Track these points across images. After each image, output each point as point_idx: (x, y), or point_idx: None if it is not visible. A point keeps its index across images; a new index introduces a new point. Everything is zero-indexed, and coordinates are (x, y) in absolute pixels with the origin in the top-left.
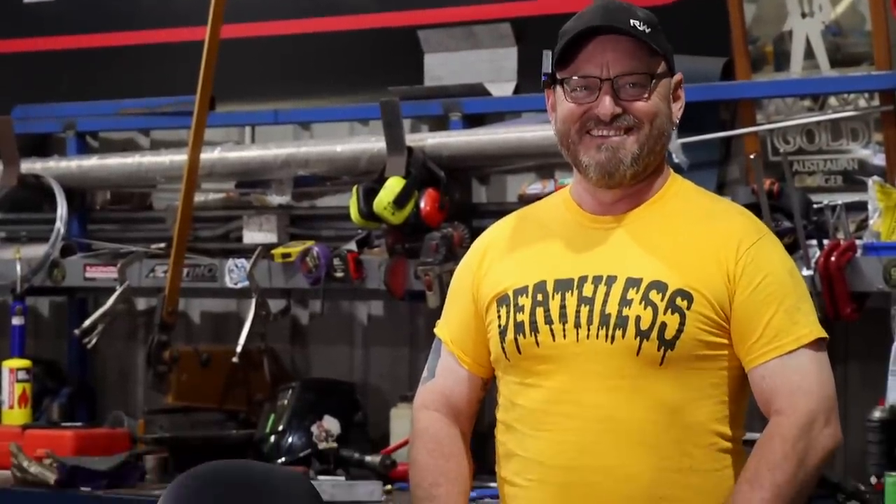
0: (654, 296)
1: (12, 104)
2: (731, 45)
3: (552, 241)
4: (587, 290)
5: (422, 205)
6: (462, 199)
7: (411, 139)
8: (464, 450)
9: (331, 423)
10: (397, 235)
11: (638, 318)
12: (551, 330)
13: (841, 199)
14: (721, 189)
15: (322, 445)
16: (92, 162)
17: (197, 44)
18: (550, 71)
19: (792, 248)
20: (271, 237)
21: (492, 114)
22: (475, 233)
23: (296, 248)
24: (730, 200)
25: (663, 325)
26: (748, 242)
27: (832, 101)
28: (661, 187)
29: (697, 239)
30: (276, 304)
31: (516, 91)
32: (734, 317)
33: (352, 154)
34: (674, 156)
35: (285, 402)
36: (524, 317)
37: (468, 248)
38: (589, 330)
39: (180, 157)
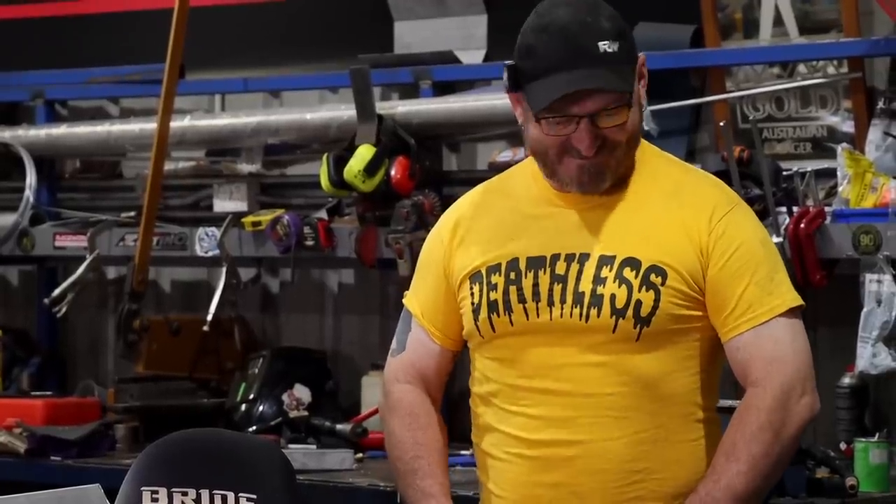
0: (628, 273)
1: None
2: (701, 13)
3: (523, 216)
4: (559, 268)
5: (392, 173)
6: (432, 166)
7: (381, 107)
8: (437, 419)
9: (302, 392)
10: (368, 203)
11: (613, 297)
12: (525, 309)
13: (810, 166)
14: (691, 156)
15: (293, 414)
16: (61, 130)
17: (166, 11)
18: (510, 88)
19: (762, 216)
20: (241, 205)
21: (462, 81)
22: (446, 201)
23: (266, 217)
24: (699, 169)
25: (639, 303)
26: (719, 214)
27: (801, 68)
28: (638, 164)
29: (669, 213)
30: (246, 273)
31: (486, 59)
32: (708, 290)
33: (322, 122)
34: (644, 123)
35: (256, 370)
36: (497, 295)
37: (439, 215)
38: (562, 309)
39: (150, 126)
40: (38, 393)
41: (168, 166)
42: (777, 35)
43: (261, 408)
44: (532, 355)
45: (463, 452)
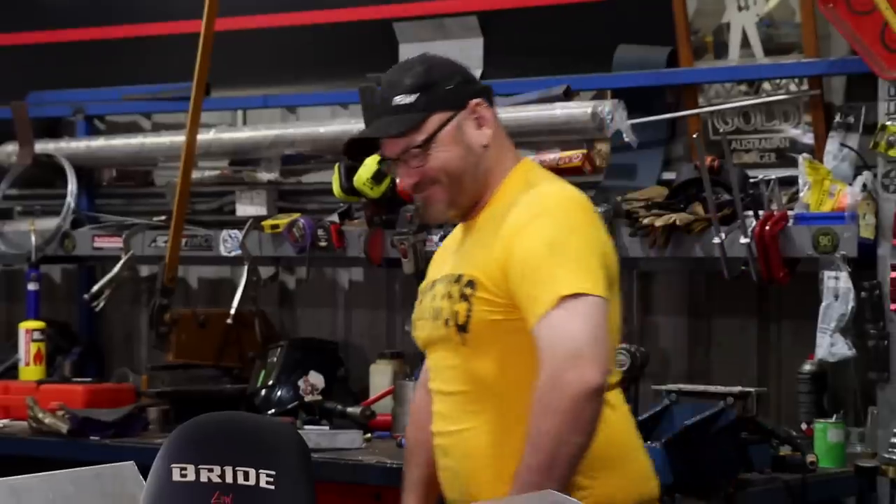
0: (453, 288)
1: (27, 91)
2: (675, 36)
3: (455, 242)
4: (436, 287)
5: (397, 181)
6: None
7: None
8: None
9: (316, 378)
10: (375, 208)
11: (441, 309)
12: (418, 323)
13: (774, 174)
14: (667, 165)
15: (308, 398)
16: (99, 143)
17: (194, 35)
18: None
19: (730, 219)
20: (261, 210)
21: None
22: None
23: (283, 220)
24: (550, 183)
25: (456, 313)
26: (516, 229)
27: (766, 86)
28: (498, 191)
29: (494, 232)
30: (265, 271)
31: (482, 78)
32: (512, 296)
33: (334, 135)
34: (624, 135)
35: (275, 359)
36: (415, 309)
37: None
38: (430, 322)
39: (179, 138)
40: (78, 379)
41: (195, 175)
42: (744, 56)
43: (279, 393)
44: (431, 361)
45: None
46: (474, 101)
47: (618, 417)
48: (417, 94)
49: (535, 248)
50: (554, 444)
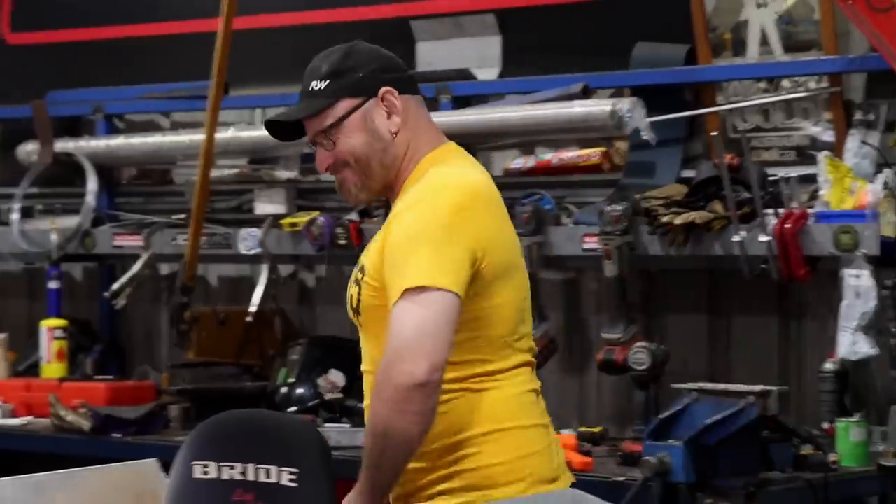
0: (356, 273)
1: (47, 90)
2: (694, 34)
3: None
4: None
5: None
6: None
7: None
8: None
9: (336, 376)
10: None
11: (351, 294)
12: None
13: (794, 171)
14: (686, 163)
15: (328, 396)
16: (119, 141)
17: (212, 34)
18: None
19: (750, 217)
20: (280, 208)
21: (478, 96)
22: None
23: (303, 218)
24: (446, 167)
25: (352, 297)
26: (395, 215)
27: (785, 83)
28: (408, 179)
29: (388, 222)
30: (285, 269)
31: (500, 76)
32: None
33: None
34: (643, 133)
35: (295, 357)
36: None
37: None
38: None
39: (198, 137)
40: (100, 377)
41: (214, 173)
42: (763, 53)
43: (299, 391)
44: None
45: None
46: (384, 89)
47: (497, 397)
48: (328, 81)
49: (398, 237)
50: (383, 429)
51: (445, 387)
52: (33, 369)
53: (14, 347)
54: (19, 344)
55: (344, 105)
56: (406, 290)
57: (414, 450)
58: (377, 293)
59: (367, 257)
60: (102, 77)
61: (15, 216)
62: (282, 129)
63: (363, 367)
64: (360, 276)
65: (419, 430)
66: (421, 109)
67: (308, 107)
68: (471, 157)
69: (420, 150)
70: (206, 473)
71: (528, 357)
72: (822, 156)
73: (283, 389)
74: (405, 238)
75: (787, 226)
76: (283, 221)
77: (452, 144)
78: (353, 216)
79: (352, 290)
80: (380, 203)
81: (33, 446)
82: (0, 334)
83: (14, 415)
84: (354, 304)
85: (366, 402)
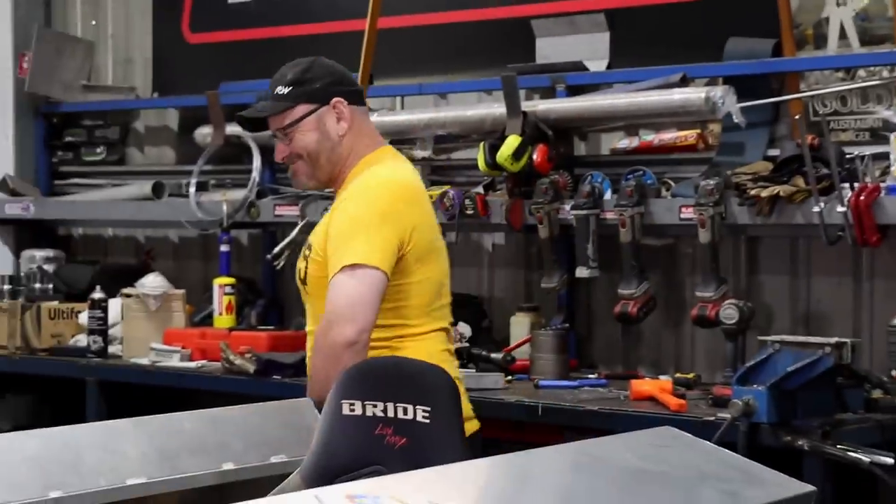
0: (306, 251)
1: (219, 81)
2: (780, 29)
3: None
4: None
5: (534, 157)
6: (566, 152)
7: (526, 105)
8: None
9: (464, 328)
10: (515, 181)
11: (299, 268)
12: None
13: (868, 150)
14: (772, 143)
15: (457, 345)
16: None
17: (359, 33)
18: None
19: (828, 190)
20: None
21: (589, 85)
22: (577, 179)
23: (436, 192)
24: (381, 166)
25: (300, 270)
26: (338, 203)
27: (861, 72)
28: (350, 173)
29: (333, 209)
30: None
31: (608, 67)
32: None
33: (479, 117)
34: (734, 117)
35: None
36: None
37: (571, 192)
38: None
39: None
40: (262, 327)
41: None
42: (842, 46)
43: None
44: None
45: (590, 376)
46: (336, 99)
47: (417, 346)
48: (291, 87)
49: (342, 222)
50: (321, 377)
51: (373, 344)
52: (207, 320)
53: (191, 301)
54: (196, 298)
55: (301, 109)
56: (344, 266)
57: None
58: (321, 267)
59: (314, 238)
60: (266, 70)
61: (192, 190)
62: (251, 122)
63: (308, 328)
64: (307, 252)
65: None
66: (364, 117)
67: (273, 107)
68: (402, 156)
69: (360, 151)
70: (352, 410)
71: (445, 324)
72: (894, 136)
73: None
74: (347, 223)
75: (861, 198)
76: None
77: (388, 147)
78: (480, 189)
79: (300, 264)
80: (502, 178)
81: (207, 385)
82: (179, 290)
83: (191, 359)
84: (302, 276)
85: (308, 356)
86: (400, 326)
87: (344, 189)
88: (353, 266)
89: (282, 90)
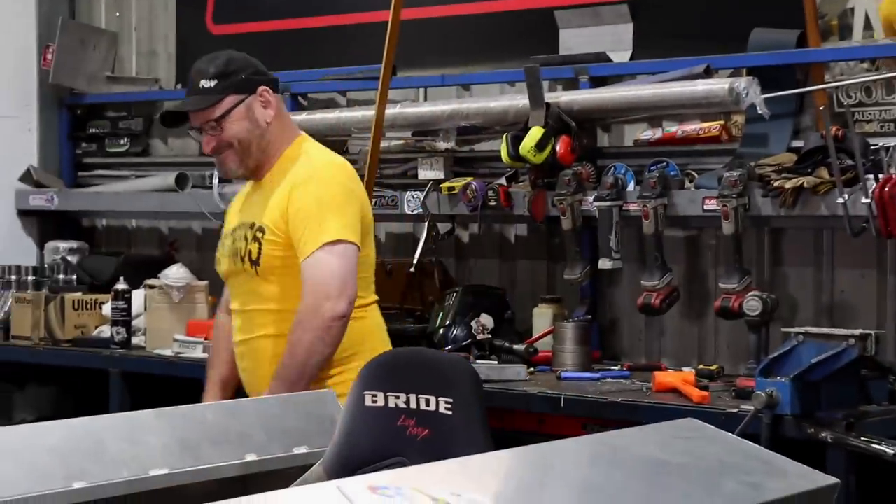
0: (248, 233)
1: None
2: (805, 20)
3: (246, 195)
4: (236, 232)
5: (557, 148)
6: (589, 143)
7: (549, 97)
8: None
9: (486, 319)
10: (538, 172)
11: (239, 249)
12: (222, 260)
13: (893, 141)
14: (796, 134)
15: (480, 336)
16: (303, 117)
17: (383, 24)
18: None
19: (853, 182)
20: (440, 174)
21: (612, 76)
22: (600, 171)
23: (459, 183)
24: (319, 151)
25: (249, 252)
26: (294, 186)
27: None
28: (279, 158)
29: (281, 191)
30: (443, 227)
31: (632, 58)
32: (290, 238)
33: (502, 109)
34: (758, 108)
35: (451, 302)
36: (219, 251)
37: (595, 183)
38: (230, 259)
39: (370, 113)
40: None
41: (383, 144)
42: (866, 37)
43: (455, 332)
44: (230, 287)
45: (612, 368)
46: (262, 87)
47: (364, 325)
48: (217, 80)
49: (307, 202)
50: (307, 352)
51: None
52: None
53: (214, 293)
54: (219, 290)
55: (230, 100)
56: (325, 244)
57: (323, 367)
58: (278, 247)
59: (265, 220)
60: (289, 61)
61: (215, 181)
62: (170, 117)
63: (255, 306)
64: (259, 234)
65: (332, 351)
66: (283, 105)
67: (202, 101)
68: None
69: (286, 137)
70: (375, 401)
71: (376, 296)
72: None
73: (441, 331)
74: (314, 203)
75: (885, 189)
76: (442, 185)
77: (306, 134)
78: (503, 181)
79: (249, 246)
80: (525, 170)
81: None
82: (202, 282)
83: None
84: (254, 257)
85: (261, 332)
86: (359, 297)
87: (283, 172)
88: (333, 242)
89: (207, 83)
